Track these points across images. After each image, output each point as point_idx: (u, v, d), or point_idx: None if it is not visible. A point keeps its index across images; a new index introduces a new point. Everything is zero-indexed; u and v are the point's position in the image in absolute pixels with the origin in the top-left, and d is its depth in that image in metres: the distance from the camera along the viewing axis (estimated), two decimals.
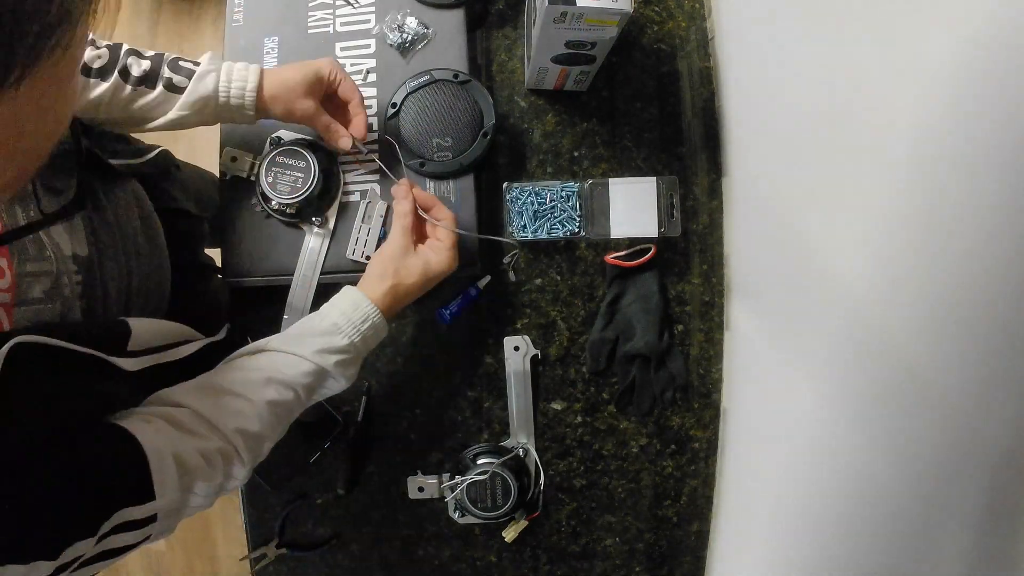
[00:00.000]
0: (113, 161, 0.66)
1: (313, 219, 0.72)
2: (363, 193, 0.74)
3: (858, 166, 0.52)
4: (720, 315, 0.78)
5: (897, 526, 0.49)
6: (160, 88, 0.61)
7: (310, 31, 0.76)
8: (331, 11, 0.76)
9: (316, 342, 0.58)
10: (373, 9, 0.76)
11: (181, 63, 0.62)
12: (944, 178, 0.43)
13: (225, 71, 0.63)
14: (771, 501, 0.69)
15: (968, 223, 0.41)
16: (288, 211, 0.70)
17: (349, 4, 0.76)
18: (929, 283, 0.45)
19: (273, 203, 0.70)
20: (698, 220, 0.78)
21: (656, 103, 0.79)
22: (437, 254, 0.64)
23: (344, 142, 0.67)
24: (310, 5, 0.76)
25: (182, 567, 1.68)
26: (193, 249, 0.85)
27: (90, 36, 0.58)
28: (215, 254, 0.79)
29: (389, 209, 0.72)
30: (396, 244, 0.63)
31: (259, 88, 0.63)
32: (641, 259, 0.75)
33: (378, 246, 0.72)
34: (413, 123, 0.73)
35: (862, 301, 0.53)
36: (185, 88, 0.62)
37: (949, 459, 0.44)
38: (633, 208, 0.75)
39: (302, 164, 0.69)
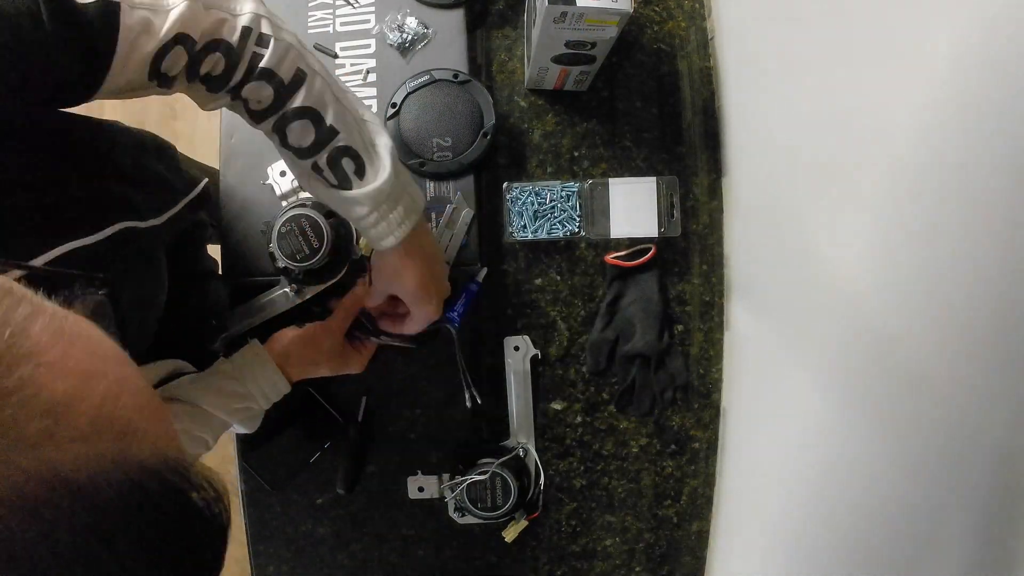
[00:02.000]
0: (147, 223, 0.56)
1: (291, 285, 0.71)
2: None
3: (859, 165, 0.52)
4: (720, 315, 0.78)
5: (897, 525, 0.49)
6: (308, 167, 0.53)
7: (310, 31, 0.76)
8: (331, 11, 0.76)
9: (234, 408, 0.63)
10: (373, 9, 0.76)
11: (343, 161, 0.52)
12: (945, 177, 0.43)
13: (378, 215, 0.54)
14: (771, 501, 0.69)
15: (969, 222, 0.41)
16: (279, 265, 0.68)
17: (349, 4, 0.76)
18: (929, 282, 0.45)
19: (277, 260, 0.68)
20: (698, 220, 0.78)
21: (656, 103, 0.79)
22: (356, 361, 0.70)
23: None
24: (310, 5, 0.76)
25: None
26: (195, 256, 0.79)
27: (269, 48, 0.47)
28: (215, 251, 0.78)
29: (475, 218, 0.73)
30: (334, 343, 0.68)
31: (390, 249, 0.57)
32: (641, 259, 0.75)
33: (459, 254, 0.73)
34: (413, 123, 0.73)
35: (862, 300, 0.53)
36: (331, 189, 0.53)
37: (950, 458, 0.44)
38: (633, 208, 0.75)
39: (315, 244, 0.66)
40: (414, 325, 0.65)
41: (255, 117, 0.51)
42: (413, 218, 0.56)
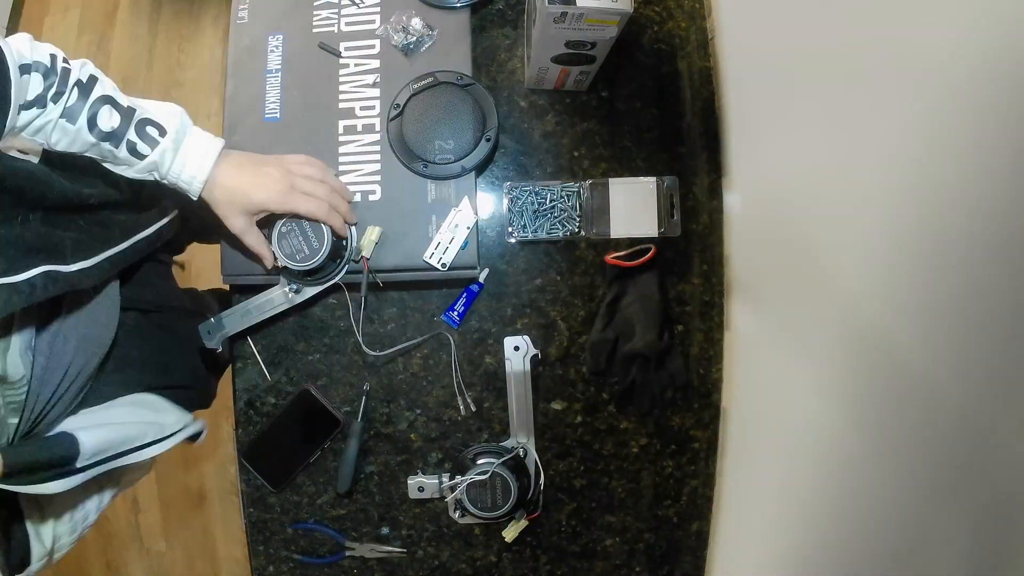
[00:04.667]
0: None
1: (291, 285, 0.71)
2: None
3: (859, 165, 0.52)
4: (720, 315, 0.78)
5: (897, 525, 0.49)
6: (123, 150, 0.59)
7: (315, 30, 0.76)
8: (336, 10, 0.76)
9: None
10: (378, 10, 0.76)
11: (148, 128, 0.59)
12: (947, 177, 0.43)
13: (181, 159, 0.61)
14: (771, 501, 0.69)
15: (971, 222, 0.41)
16: (279, 264, 0.68)
17: (354, 4, 0.76)
18: (930, 282, 0.45)
19: (277, 260, 0.68)
20: (698, 220, 0.78)
21: (656, 103, 0.79)
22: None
23: (265, 263, 0.68)
24: (315, 4, 0.77)
25: (182, 567, 1.68)
26: (157, 290, 0.80)
27: (59, 55, 0.56)
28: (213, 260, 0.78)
29: (477, 223, 0.73)
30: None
31: (206, 184, 0.62)
32: (641, 259, 0.75)
33: (458, 257, 0.72)
34: (416, 125, 0.73)
35: (863, 300, 0.53)
36: (146, 156, 0.59)
37: (950, 459, 0.44)
38: (633, 208, 0.76)
39: (315, 244, 0.67)
40: (290, 210, 0.65)
41: (67, 115, 0.56)
42: (213, 148, 0.62)
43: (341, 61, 0.75)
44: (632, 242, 0.77)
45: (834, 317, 0.57)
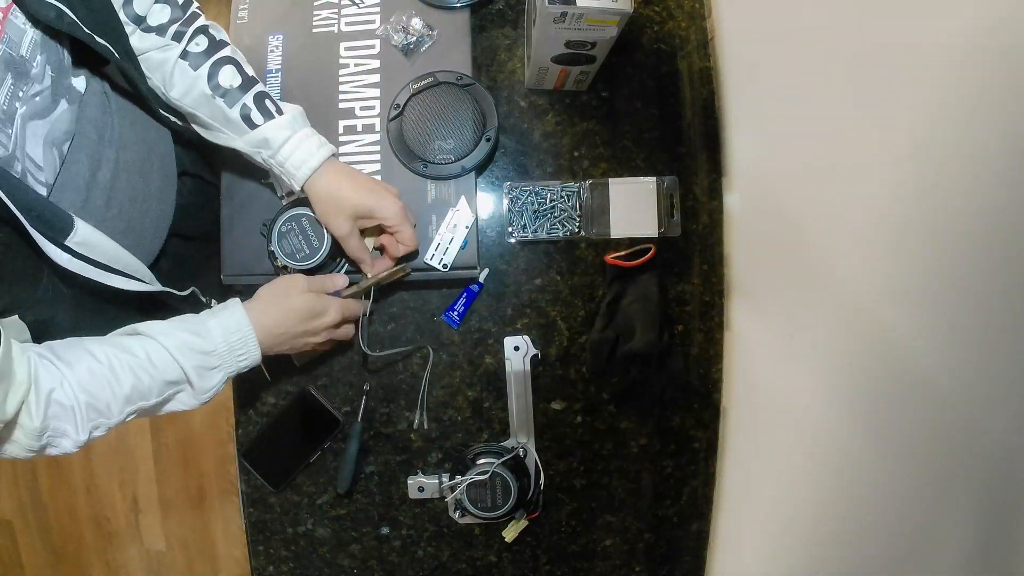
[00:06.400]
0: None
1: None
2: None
3: (859, 164, 0.52)
4: (720, 315, 0.78)
5: (897, 526, 0.49)
6: (236, 112, 0.61)
7: (315, 30, 0.76)
8: (336, 10, 0.77)
9: (190, 349, 0.56)
10: (378, 10, 0.76)
11: (267, 102, 0.62)
12: (947, 176, 0.43)
13: (296, 140, 0.62)
14: (771, 501, 0.69)
15: (971, 221, 0.41)
16: (279, 264, 0.68)
17: (354, 4, 0.77)
18: (931, 281, 0.45)
19: (277, 259, 0.68)
20: (698, 220, 0.78)
21: (656, 103, 0.79)
22: (333, 309, 0.65)
23: (364, 269, 0.69)
24: (315, 4, 0.77)
25: (182, 567, 1.68)
26: (204, 217, 0.78)
27: (194, 2, 0.62)
28: None
29: (475, 222, 0.73)
30: (300, 279, 0.65)
31: (315, 172, 0.63)
32: (641, 259, 0.75)
33: (458, 257, 0.72)
34: (416, 125, 0.73)
35: (863, 300, 0.53)
36: (256, 127, 0.61)
37: (950, 459, 0.44)
38: (633, 208, 0.76)
39: (316, 243, 0.67)
40: (395, 228, 0.65)
41: (193, 60, 0.61)
42: (329, 146, 0.65)
43: (341, 61, 0.75)
44: (632, 242, 0.77)
45: (834, 316, 0.57)
